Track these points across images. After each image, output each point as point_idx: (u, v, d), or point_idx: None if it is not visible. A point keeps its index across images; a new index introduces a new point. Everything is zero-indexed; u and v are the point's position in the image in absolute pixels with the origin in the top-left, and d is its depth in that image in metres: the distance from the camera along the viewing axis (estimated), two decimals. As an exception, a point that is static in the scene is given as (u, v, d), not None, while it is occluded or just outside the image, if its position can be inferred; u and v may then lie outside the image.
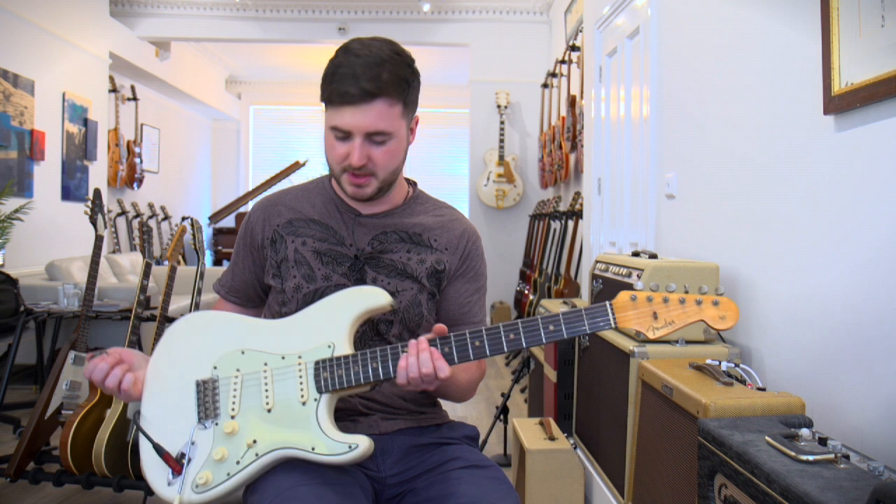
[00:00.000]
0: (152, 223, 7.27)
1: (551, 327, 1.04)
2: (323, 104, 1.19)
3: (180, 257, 6.75)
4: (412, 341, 1.07)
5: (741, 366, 1.60)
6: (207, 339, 1.17)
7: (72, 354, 2.54)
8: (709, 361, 1.61)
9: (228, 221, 8.83)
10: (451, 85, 8.90)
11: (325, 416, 1.07)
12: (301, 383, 1.09)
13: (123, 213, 6.56)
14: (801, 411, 1.38)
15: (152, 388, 1.15)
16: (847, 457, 1.07)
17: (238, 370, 1.12)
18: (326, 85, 1.15)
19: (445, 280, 1.29)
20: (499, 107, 6.34)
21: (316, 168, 8.30)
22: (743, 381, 1.53)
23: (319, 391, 1.08)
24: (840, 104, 1.49)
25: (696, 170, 2.37)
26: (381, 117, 1.13)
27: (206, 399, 1.11)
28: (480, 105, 6.50)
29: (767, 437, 1.15)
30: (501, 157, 6.37)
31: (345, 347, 1.10)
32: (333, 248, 1.25)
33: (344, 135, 1.15)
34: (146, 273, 2.48)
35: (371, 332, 1.24)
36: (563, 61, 5.12)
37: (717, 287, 1.05)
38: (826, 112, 1.55)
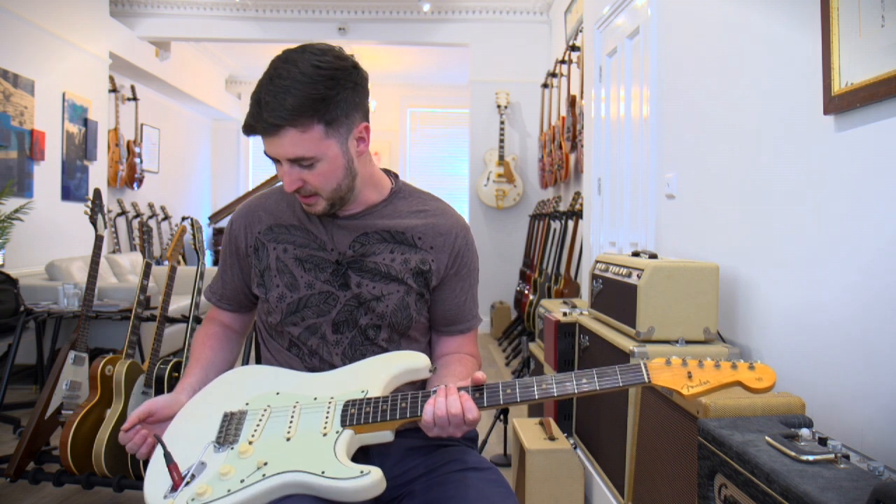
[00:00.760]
0: (152, 223, 7.27)
1: (584, 380, 1.03)
2: None
3: (180, 257, 6.75)
4: (442, 386, 1.06)
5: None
6: (249, 382, 1.19)
7: (72, 354, 2.54)
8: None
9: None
10: (451, 85, 8.90)
11: (343, 447, 1.04)
12: (327, 417, 1.08)
13: (123, 213, 6.56)
14: (801, 411, 1.38)
15: (182, 416, 1.17)
16: (847, 457, 1.07)
17: (268, 406, 1.13)
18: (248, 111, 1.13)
19: (434, 280, 1.25)
20: (499, 107, 6.34)
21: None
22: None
23: (343, 424, 1.06)
24: (840, 104, 1.49)
25: (696, 170, 2.37)
26: (295, 144, 1.09)
27: (230, 428, 1.11)
28: (480, 105, 6.50)
29: (767, 437, 1.15)
30: (501, 157, 6.37)
31: (377, 393, 1.10)
32: (315, 253, 1.23)
33: (275, 160, 1.14)
34: (146, 273, 2.48)
35: (360, 336, 1.23)
36: (563, 61, 5.12)
37: (743, 357, 1.04)
38: (826, 112, 1.55)
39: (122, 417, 2.29)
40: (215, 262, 8.56)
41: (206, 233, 8.70)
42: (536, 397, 1.03)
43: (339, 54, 1.12)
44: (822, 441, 1.11)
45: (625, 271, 2.08)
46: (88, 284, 2.59)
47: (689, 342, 1.90)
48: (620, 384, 1.01)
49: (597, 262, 2.42)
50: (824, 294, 1.60)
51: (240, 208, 1.33)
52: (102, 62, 5.74)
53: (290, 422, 1.09)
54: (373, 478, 0.99)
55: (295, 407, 1.11)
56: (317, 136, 1.10)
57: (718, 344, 1.92)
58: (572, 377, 1.03)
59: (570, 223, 4.53)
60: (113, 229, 6.37)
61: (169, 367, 2.38)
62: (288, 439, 1.06)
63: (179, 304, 4.74)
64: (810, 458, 1.05)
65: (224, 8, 6.33)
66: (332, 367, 1.23)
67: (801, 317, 1.70)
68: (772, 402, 1.38)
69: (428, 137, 9.20)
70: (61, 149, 5.16)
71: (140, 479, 2.23)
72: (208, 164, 9.39)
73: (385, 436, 1.09)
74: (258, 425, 1.09)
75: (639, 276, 1.95)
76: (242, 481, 1.01)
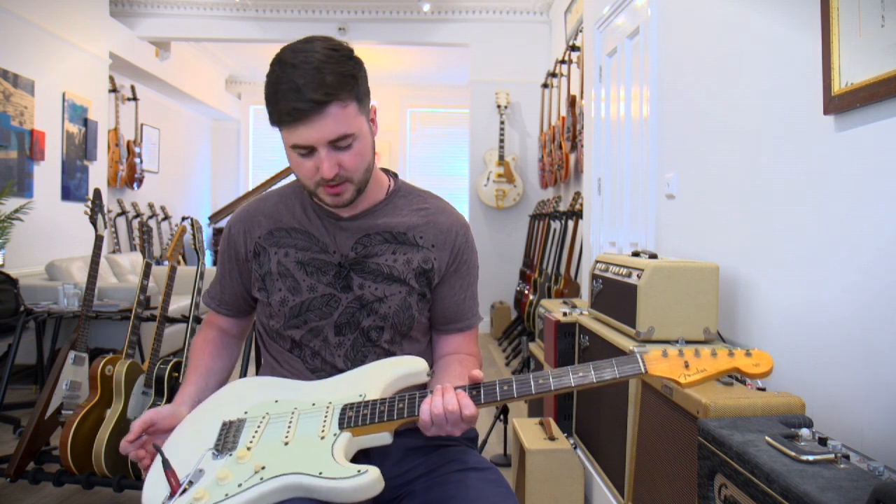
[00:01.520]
0: (152, 223, 7.27)
1: (581, 373, 1.03)
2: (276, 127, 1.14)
3: (180, 257, 6.75)
4: (438, 385, 1.06)
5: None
6: (248, 392, 1.19)
7: (72, 354, 2.54)
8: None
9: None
10: (451, 85, 8.90)
11: (341, 449, 1.04)
12: (325, 421, 1.08)
13: (123, 213, 6.56)
14: (801, 411, 1.38)
15: (181, 427, 1.16)
16: (847, 457, 1.06)
17: (267, 413, 1.13)
18: (272, 107, 1.09)
19: (436, 278, 1.25)
20: (499, 107, 6.34)
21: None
22: (743, 381, 1.53)
23: (341, 427, 1.06)
24: (840, 104, 1.49)
25: (696, 170, 2.37)
26: (338, 122, 1.08)
27: (228, 435, 1.10)
28: (480, 105, 6.50)
29: (767, 437, 1.15)
30: (501, 157, 6.37)
31: (375, 397, 1.10)
32: (317, 256, 1.22)
33: (307, 151, 1.10)
34: (146, 273, 2.48)
35: (362, 338, 1.23)
36: (563, 61, 5.12)
37: (748, 349, 1.03)
38: (826, 112, 1.55)
39: (122, 417, 2.29)
40: (215, 262, 8.53)
41: (206, 233, 8.70)
42: (533, 392, 1.03)
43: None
44: (822, 441, 1.11)
45: (625, 271, 2.08)
46: (88, 284, 2.59)
47: (689, 342, 1.90)
48: (618, 376, 1.01)
49: (597, 262, 2.42)
50: (824, 294, 1.60)
51: (237, 213, 1.31)
52: (102, 62, 5.74)
53: (289, 427, 1.09)
54: (370, 476, 0.98)
55: (293, 413, 1.11)
56: (352, 112, 1.10)
57: (718, 344, 1.92)
58: (569, 371, 1.03)
59: (570, 223, 4.53)
60: (113, 229, 6.37)
61: (169, 368, 2.38)
62: (286, 444, 1.06)
63: (179, 304, 4.74)
64: (810, 458, 1.05)
65: (224, 8, 6.33)
66: (335, 367, 1.23)
67: (801, 317, 1.70)
68: (772, 402, 1.38)
69: (428, 137, 9.19)
70: (61, 149, 5.16)
71: (140, 479, 2.23)
72: (208, 164, 9.39)
73: (383, 437, 1.08)
74: (256, 432, 1.09)
75: (639, 276, 1.95)
76: (240, 485, 1.00)
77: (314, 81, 1.05)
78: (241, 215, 1.30)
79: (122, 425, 2.28)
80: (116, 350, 2.49)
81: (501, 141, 6.35)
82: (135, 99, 6.83)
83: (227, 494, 0.99)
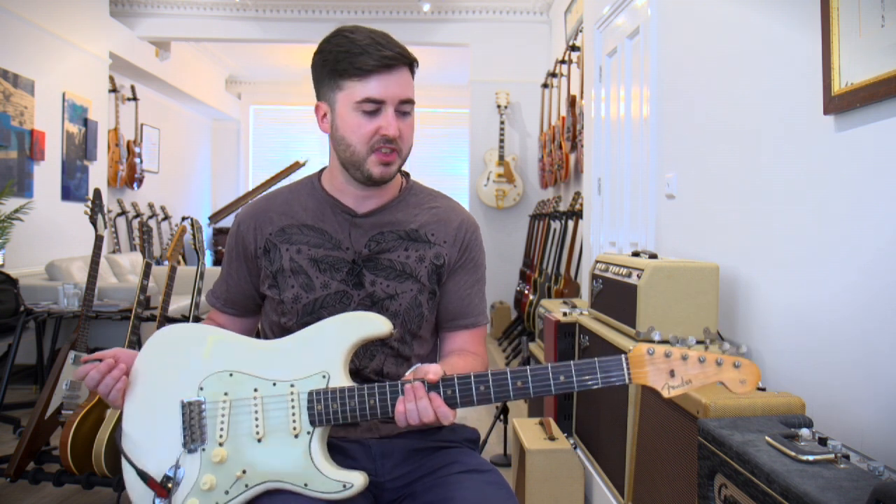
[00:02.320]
0: (152, 223, 7.27)
1: (562, 378, 0.99)
2: (323, 91, 1.17)
3: (180, 257, 6.75)
4: (408, 385, 1.01)
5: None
6: (193, 356, 1.11)
7: (72, 354, 2.54)
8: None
9: (228, 221, 8.82)
10: (451, 85, 8.91)
11: (319, 450, 1.04)
12: (293, 414, 1.05)
13: (123, 213, 6.56)
14: (801, 411, 1.38)
15: (134, 406, 1.11)
16: (847, 457, 1.06)
17: (226, 394, 1.08)
18: (344, 57, 1.11)
19: (445, 274, 1.26)
20: (499, 107, 6.34)
21: (315, 168, 8.30)
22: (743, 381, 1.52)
23: (312, 424, 1.04)
24: (840, 104, 1.49)
25: (696, 170, 2.37)
26: (409, 85, 1.14)
27: (193, 423, 1.07)
28: (480, 105, 6.50)
29: (767, 437, 1.15)
30: (501, 157, 6.37)
31: (340, 378, 1.06)
32: (330, 253, 1.21)
33: (375, 107, 1.12)
34: (146, 273, 2.48)
35: None
36: (563, 61, 5.12)
37: (740, 347, 0.99)
38: (826, 112, 1.55)
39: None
40: (215, 262, 8.56)
41: (206, 233, 8.70)
42: (512, 397, 1.00)
43: None
44: (822, 441, 1.11)
45: (625, 271, 2.08)
46: (88, 284, 2.59)
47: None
48: (599, 384, 0.98)
49: (597, 262, 2.42)
50: (824, 294, 1.60)
51: (246, 209, 1.30)
52: (102, 62, 5.74)
53: (256, 419, 1.06)
54: (356, 488, 1.02)
55: (255, 399, 1.06)
56: (413, 85, 1.17)
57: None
58: (549, 374, 0.98)
59: (570, 223, 4.53)
60: (113, 229, 6.37)
61: (169, 367, 2.38)
62: (259, 440, 1.05)
63: (179, 304, 4.74)
64: (810, 458, 1.05)
65: (224, 8, 6.33)
66: None
67: (801, 317, 1.70)
68: (772, 402, 1.38)
69: (428, 137, 9.19)
70: (61, 149, 5.16)
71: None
72: (208, 164, 9.39)
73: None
74: (223, 421, 1.06)
75: (639, 276, 1.95)
76: (227, 492, 1.04)
77: (392, 42, 1.12)
78: (251, 211, 1.28)
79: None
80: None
81: (501, 141, 6.35)
82: (135, 99, 6.83)
83: (217, 503, 1.03)
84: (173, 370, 1.11)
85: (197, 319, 2.50)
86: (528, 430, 2.41)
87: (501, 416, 2.92)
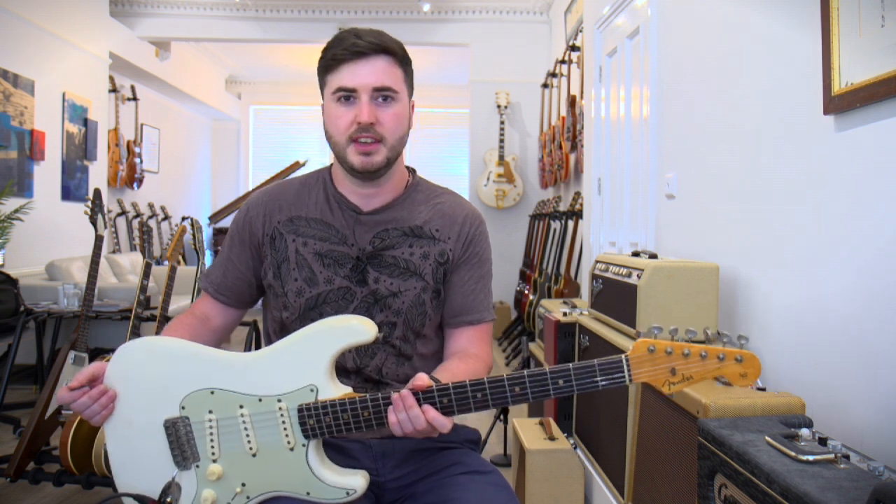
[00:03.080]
0: (152, 223, 7.27)
1: (561, 382, 0.96)
2: (321, 84, 1.19)
3: (180, 257, 6.75)
4: (395, 395, 0.98)
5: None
6: (169, 373, 1.06)
7: (72, 354, 2.54)
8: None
9: (228, 221, 8.82)
10: (451, 85, 8.91)
11: (317, 458, 1.02)
12: (286, 430, 1.02)
13: (123, 213, 6.56)
14: (801, 411, 1.38)
15: (115, 428, 1.08)
16: (847, 457, 1.06)
17: (211, 412, 1.04)
18: (325, 52, 1.16)
19: (450, 270, 1.24)
20: (499, 107, 6.34)
21: (315, 168, 8.29)
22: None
23: (307, 437, 1.02)
24: (840, 104, 1.49)
25: (696, 170, 2.37)
26: (386, 73, 1.14)
27: (181, 442, 1.05)
28: (480, 105, 6.50)
29: (767, 437, 1.15)
30: (501, 157, 6.37)
31: (328, 389, 1.01)
32: (335, 248, 1.21)
33: (348, 94, 1.13)
34: (146, 273, 2.48)
35: None
36: (563, 61, 5.13)
37: (740, 336, 0.98)
38: (826, 112, 1.55)
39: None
40: (215, 262, 8.55)
41: (206, 233, 8.69)
42: (510, 403, 0.98)
43: None
44: (822, 441, 1.11)
45: (625, 271, 2.08)
46: (88, 284, 2.59)
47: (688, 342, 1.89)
48: (600, 387, 0.96)
49: (597, 262, 2.42)
50: (824, 294, 1.60)
51: (258, 195, 1.28)
52: (102, 62, 5.74)
53: (247, 435, 1.03)
54: (359, 492, 1.02)
55: (242, 417, 1.03)
56: (399, 76, 1.17)
57: (718, 344, 1.92)
58: (548, 378, 0.96)
59: (570, 223, 4.53)
60: (113, 229, 6.37)
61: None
62: (254, 455, 1.03)
63: (179, 304, 4.74)
64: (810, 458, 1.05)
65: (224, 8, 6.33)
66: (345, 362, 1.20)
67: (801, 316, 1.70)
68: (772, 402, 1.38)
69: (428, 137, 9.19)
70: (61, 149, 5.16)
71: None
72: (208, 164, 9.39)
73: None
74: (212, 440, 1.04)
75: (639, 276, 1.95)
76: None
77: (374, 34, 1.15)
78: (263, 198, 1.27)
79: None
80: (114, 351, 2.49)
81: (501, 141, 6.35)
82: (135, 99, 6.83)
83: None
84: (149, 388, 1.06)
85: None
86: (528, 430, 2.41)
87: (501, 416, 2.92)
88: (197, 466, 1.04)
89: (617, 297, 2.12)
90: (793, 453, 1.07)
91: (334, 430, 1.01)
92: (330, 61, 1.15)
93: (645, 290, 1.91)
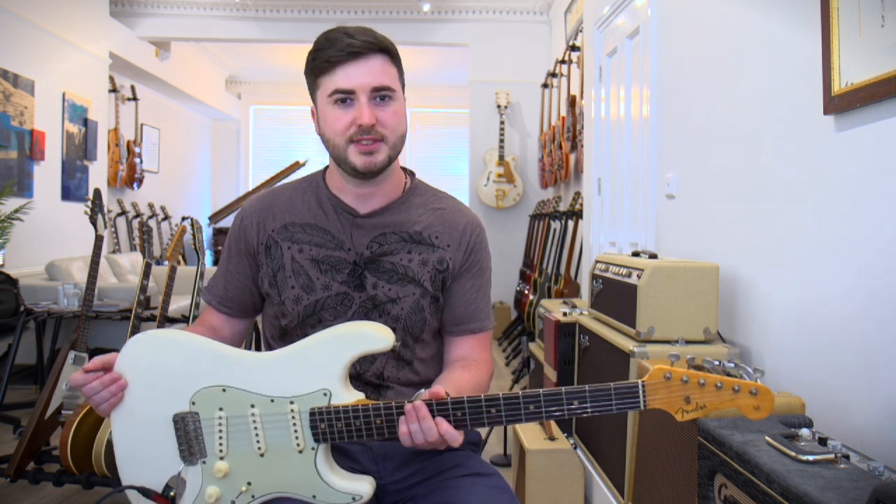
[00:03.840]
0: (152, 223, 7.27)
1: (576, 403, 0.95)
2: (314, 87, 1.16)
3: (180, 257, 6.75)
4: (408, 405, 0.97)
5: (741, 365, 1.60)
6: (181, 368, 1.05)
7: (72, 354, 2.54)
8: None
9: (228, 221, 8.83)
10: (451, 85, 8.91)
11: (325, 462, 1.02)
12: (296, 432, 1.02)
13: (123, 213, 6.56)
14: (801, 411, 1.38)
15: (122, 416, 1.07)
16: (847, 457, 1.07)
17: (221, 409, 1.03)
18: (316, 54, 1.12)
19: (450, 278, 1.23)
20: (499, 107, 6.34)
21: (315, 168, 8.30)
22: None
23: (317, 441, 1.01)
24: (840, 104, 1.49)
25: (696, 170, 2.37)
26: (383, 72, 1.12)
27: (189, 438, 1.04)
28: (480, 105, 6.50)
29: (767, 438, 1.15)
30: (501, 157, 6.37)
31: (342, 394, 1.01)
32: (332, 253, 1.19)
33: (345, 95, 1.10)
34: (146, 273, 2.48)
35: None
36: (563, 61, 5.13)
37: (756, 368, 0.97)
38: (826, 112, 1.55)
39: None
40: (215, 262, 8.56)
41: (206, 233, 8.70)
42: (524, 420, 0.98)
43: None
44: (822, 441, 1.11)
45: (625, 271, 2.08)
46: (88, 284, 2.59)
47: (689, 342, 1.90)
48: (614, 410, 0.96)
49: (597, 262, 2.42)
50: (824, 294, 1.60)
51: (250, 204, 1.27)
52: (102, 62, 5.74)
53: (256, 435, 1.03)
54: (365, 499, 1.02)
55: (253, 416, 1.02)
56: (394, 73, 1.15)
57: (718, 344, 1.92)
58: (563, 398, 0.96)
59: (570, 223, 4.53)
60: (113, 229, 6.37)
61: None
62: (262, 455, 1.03)
63: (179, 304, 4.74)
64: (810, 458, 1.05)
65: (224, 8, 6.33)
66: None
67: (801, 316, 1.70)
68: (772, 402, 1.38)
69: (428, 137, 9.20)
70: (61, 149, 5.16)
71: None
72: (208, 164, 9.39)
73: None
74: (221, 437, 1.03)
75: (639, 276, 1.95)
76: (233, 503, 1.03)
77: (365, 32, 1.12)
78: (256, 206, 1.26)
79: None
80: (116, 350, 2.48)
81: (501, 141, 6.35)
82: (135, 99, 6.83)
83: None
84: (159, 381, 1.06)
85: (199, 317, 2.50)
86: (528, 430, 2.41)
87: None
88: (203, 462, 1.04)
89: (617, 297, 2.12)
90: (793, 453, 1.07)
91: (345, 435, 1.00)
92: (324, 63, 1.11)
93: (645, 290, 1.91)
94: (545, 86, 5.73)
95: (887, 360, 1.37)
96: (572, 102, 4.72)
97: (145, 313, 2.72)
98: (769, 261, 1.86)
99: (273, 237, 1.22)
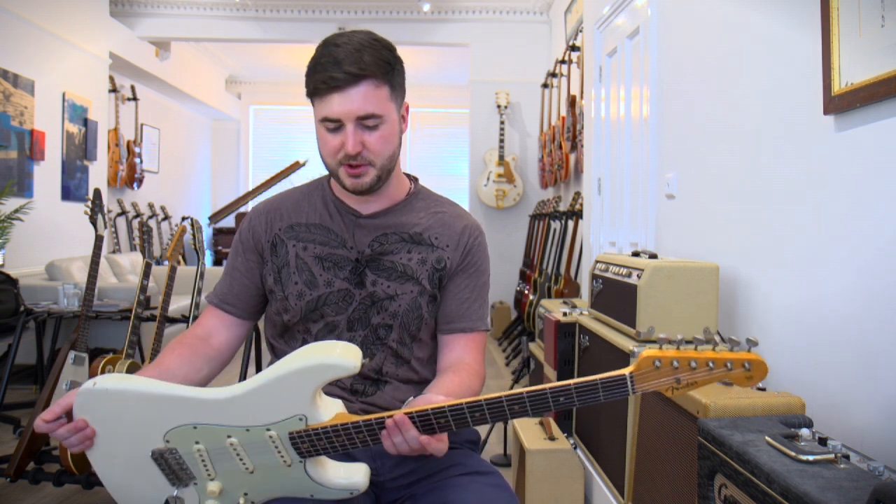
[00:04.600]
0: (152, 223, 7.27)
1: (562, 399, 0.95)
2: (311, 103, 1.17)
3: (180, 257, 6.75)
4: (389, 421, 0.96)
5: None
6: (142, 416, 1.01)
7: (72, 354, 2.54)
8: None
9: (228, 221, 8.83)
10: (451, 85, 8.91)
11: (316, 467, 1.02)
12: (280, 453, 1.00)
13: (123, 213, 6.56)
14: (801, 411, 1.38)
15: (102, 460, 1.06)
16: (847, 457, 1.06)
17: (198, 443, 1.01)
18: (310, 78, 1.13)
19: (446, 277, 1.25)
20: (499, 107, 6.34)
21: (316, 168, 8.30)
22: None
23: (303, 456, 1.00)
24: (840, 104, 1.49)
25: (696, 170, 2.37)
26: (368, 100, 1.11)
27: (173, 468, 1.04)
28: (480, 105, 6.50)
29: (767, 437, 1.15)
30: (501, 157, 6.37)
31: (318, 415, 0.98)
32: (334, 251, 1.23)
33: (335, 125, 1.13)
34: (146, 273, 2.48)
35: (372, 335, 1.22)
36: (563, 61, 5.13)
37: (748, 339, 0.94)
38: (826, 112, 1.55)
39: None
40: (215, 262, 8.57)
41: (206, 233, 8.70)
42: (509, 418, 0.97)
43: None
44: (822, 441, 1.11)
45: (625, 271, 2.08)
46: (88, 284, 2.59)
47: (688, 342, 1.89)
48: (602, 402, 0.96)
49: (597, 262, 2.42)
50: (824, 294, 1.60)
51: (259, 205, 1.32)
52: (102, 62, 5.74)
53: (241, 459, 1.01)
54: (362, 488, 1.02)
55: (232, 444, 1.00)
56: (384, 95, 1.14)
57: (720, 347, 1.92)
58: (548, 395, 0.95)
59: (570, 223, 4.53)
60: (113, 229, 6.37)
61: (169, 367, 2.38)
62: (251, 472, 1.02)
63: (179, 304, 4.74)
64: (810, 458, 1.05)
65: (224, 8, 6.33)
66: None
67: (801, 316, 1.70)
68: (772, 402, 1.38)
69: (428, 137, 9.20)
70: (61, 149, 5.16)
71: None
72: (208, 164, 9.39)
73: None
74: (205, 464, 1.02)
75: (639, 276, 1.95)
76: None
77: (352, 57, 1.10)
78: (265, 207, 1.31)
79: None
80: (116, 350, 2.49)
81: (501, 141, 6.35)
82: (135, 99, 6.83)
83: None
84: (124, 428, 1.03)
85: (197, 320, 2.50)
86: (528, 430, 2.41)
87: (501, 416, 2.91)
88: (195, 484, 1.04)
89: (617, 297, 2.12)
90: (793, 453, 1.07)
91: (330, 451, 1.00)
92: (313, 87, 1.13)
93: (645, 290, 1.91)
94: (545, 86, 5.73)
95: (887, 360, 1.37)
96: (572, 102, 4.72)
97: (145, 313, 2.72)
98: (769, 261, 1.86)
99: (279, 236, 1.26)
